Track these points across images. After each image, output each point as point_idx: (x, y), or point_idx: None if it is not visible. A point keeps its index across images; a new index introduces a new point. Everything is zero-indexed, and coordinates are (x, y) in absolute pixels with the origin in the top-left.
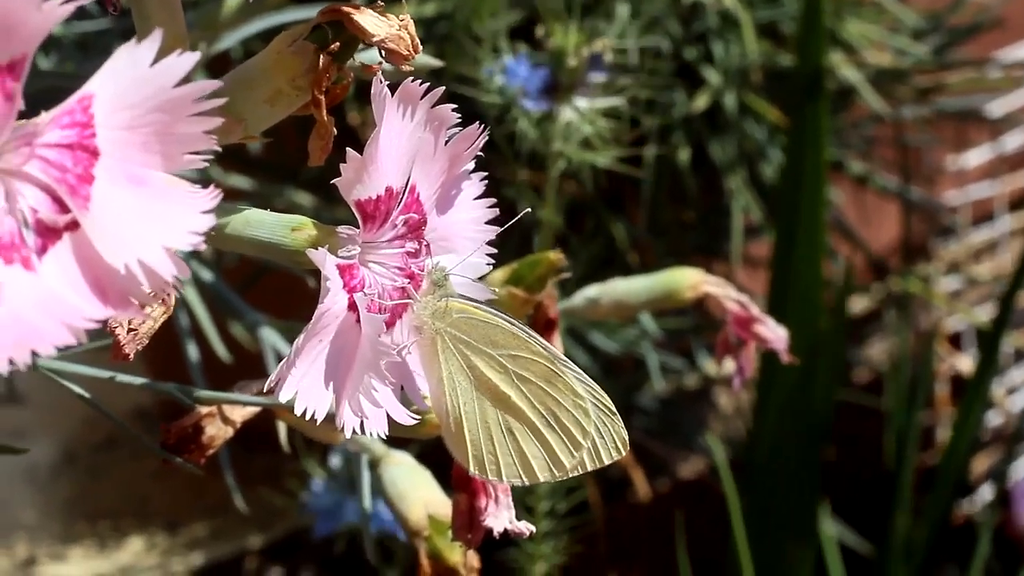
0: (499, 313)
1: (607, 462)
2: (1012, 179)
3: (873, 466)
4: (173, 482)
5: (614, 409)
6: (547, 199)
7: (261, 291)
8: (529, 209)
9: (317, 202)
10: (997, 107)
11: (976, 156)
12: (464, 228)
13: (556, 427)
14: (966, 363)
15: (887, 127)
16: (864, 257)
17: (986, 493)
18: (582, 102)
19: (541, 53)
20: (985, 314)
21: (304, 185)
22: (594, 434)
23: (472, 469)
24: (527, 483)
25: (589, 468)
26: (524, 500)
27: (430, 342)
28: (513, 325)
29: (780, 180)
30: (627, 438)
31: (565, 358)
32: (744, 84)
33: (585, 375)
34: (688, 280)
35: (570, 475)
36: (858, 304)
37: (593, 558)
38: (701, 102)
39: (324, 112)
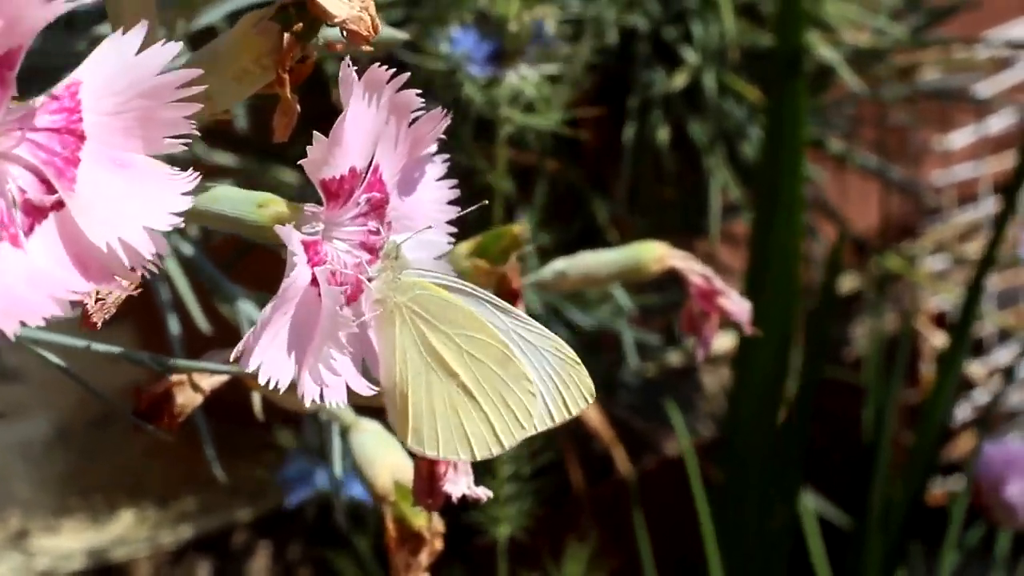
0: (464, 287)
1: (575, 413)
2: (996, 160)
3: (857, 443)
4: (164, 458)
5: (577, 359)
6: (497, 164)
7: (252, 266)
8: (486, 201)
9: (302, 180)
10: (983, 88)
11: (961, 137)
12: (427, 208)
13: (501, 409)
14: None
15: (871, 108)
16: (844, 238)
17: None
18: (526, 68)
19: (489, 24)
20: None
21: (290, 163)
22: (560, 386)
23: (411, 442)
24: (463, 459)
25: (557, 421)
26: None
27: (389, 314)
28: (478, 299)
29: (759, 158)
30: (592, 387)
31: (525, 315)
32: (723, 64)
33: (545, 329)
34: (654, 253)
35: (522, 438)
36: (845, 284)
37: (564, 527)
38: (680, 81)
39: (288, 90)
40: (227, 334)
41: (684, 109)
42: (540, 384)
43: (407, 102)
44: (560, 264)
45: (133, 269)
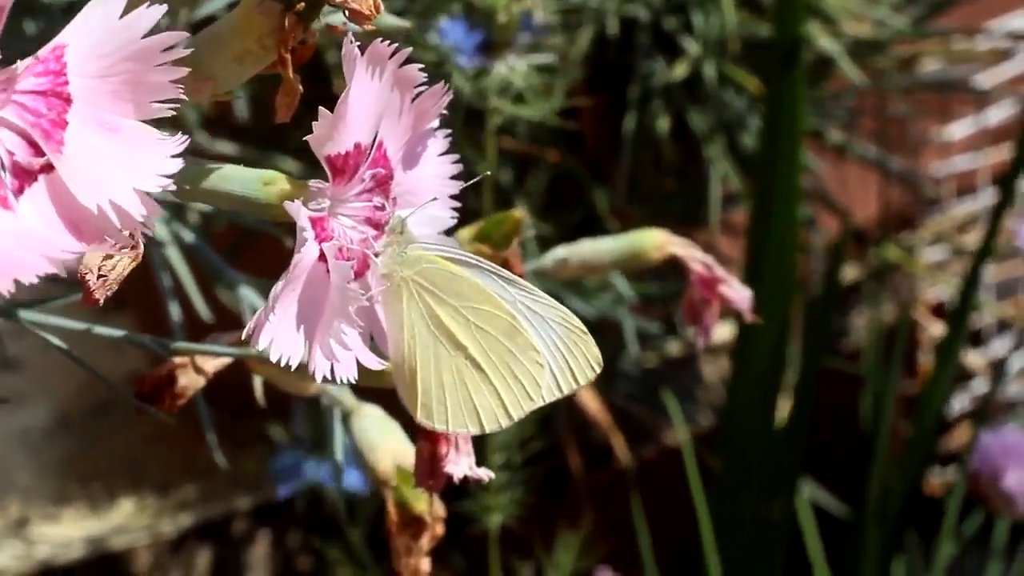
0: (469, 259)
1: (582, 383)
2: (996, 151)
3: (855, 433)
4: (164, 446)
5: (584, 329)
6: (487, 154)
7: (253, 253)
8: (488, 173)
9: (304, 168)
10: (983, 79)
11: (960, 128)
12: (429, 183)
13: (509, 380)
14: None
15: (871, 98)
16: (847, 227)
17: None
18: (515, 59)
19: (478, 16)
20: None
21: (291, 152)
22: (567, 356)
23: (420, 416)
24: (473, 432)
25: (564, 391)
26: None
27: (396, 289)
28: (483, 270)
29: (757, 148)
30: (599, 357)
31: (531, 286)
32: (723, 54)
33: (553, 299)
34: (654, 241)
35: (531, 409)
36: (844, 274)
37: (563, 515)
38: (680, 71)
39: (290, 71)
40: (228, 321)
41: (684, 99)
42: (547, 354)
43: (410, 77)
44: (560, 252)
45: (126, 231)
